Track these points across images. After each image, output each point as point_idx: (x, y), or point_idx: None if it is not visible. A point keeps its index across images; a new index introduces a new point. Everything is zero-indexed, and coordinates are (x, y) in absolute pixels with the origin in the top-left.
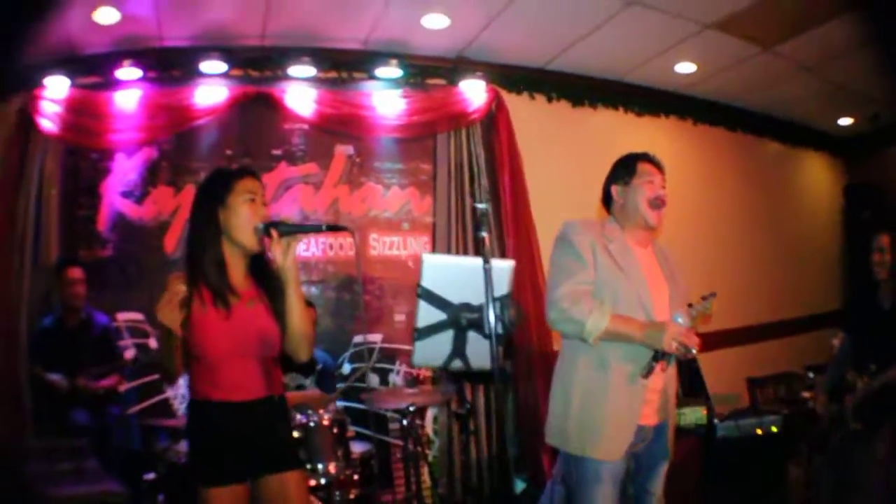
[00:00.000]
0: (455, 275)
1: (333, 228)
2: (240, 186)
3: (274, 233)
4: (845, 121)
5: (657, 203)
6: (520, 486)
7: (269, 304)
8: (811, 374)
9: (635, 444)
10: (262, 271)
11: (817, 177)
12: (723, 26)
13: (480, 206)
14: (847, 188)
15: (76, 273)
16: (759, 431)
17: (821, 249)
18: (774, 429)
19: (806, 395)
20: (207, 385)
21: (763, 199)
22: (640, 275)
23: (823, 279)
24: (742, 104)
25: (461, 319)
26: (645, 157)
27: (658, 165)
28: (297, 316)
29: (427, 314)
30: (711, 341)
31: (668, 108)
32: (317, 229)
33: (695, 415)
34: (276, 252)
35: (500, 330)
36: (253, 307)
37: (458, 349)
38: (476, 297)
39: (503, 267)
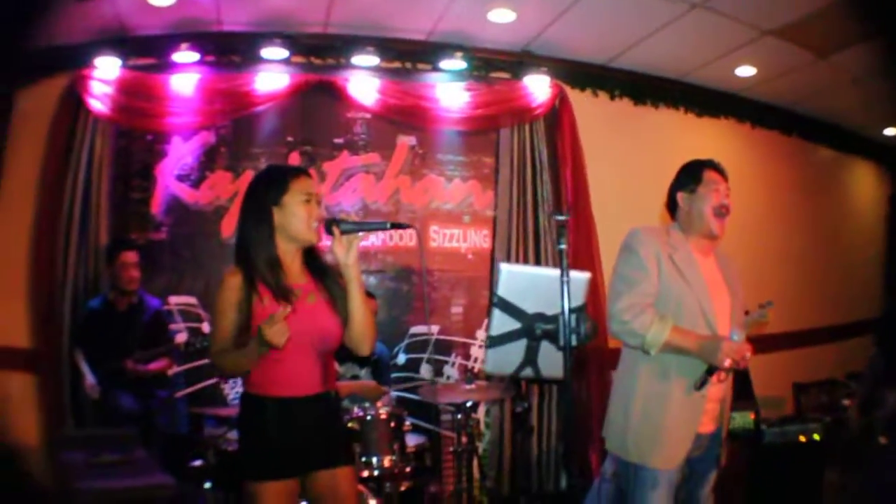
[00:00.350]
0: (531, 284)
1: (398, 226)
2: (295, 187)
3: (336, 230)
4: (890, 130)
5: (721, 211)
6: (566, 482)
7: (329, 298)
8: (852, 383)
9: (692, 450)
10: (319, 265)
11: (865, 185)
12: (780, 33)
13: (560, 217)
14: (893, 197)
15: (130, 256)
16: (802, 438)
17: (866, 257)
18: (817, 437)
19: (846, 402)
20: (264, 380)
21: (813, 205)
22: (702, 284)
23: (868, 287)
24: (797, 109)
25: (535, 329)
26: (711, 165)
27: (723, 173)
28: (359, 312)
29: (501, 323)
30: (760, 345)
31: (728, 110)
32: (381, 227)
33: (743, 420)
34: (338, 250)
35: (573, 342)
36: (313, 302)
37: (530, 358)
38: (551, 307)
39: (579, 278)
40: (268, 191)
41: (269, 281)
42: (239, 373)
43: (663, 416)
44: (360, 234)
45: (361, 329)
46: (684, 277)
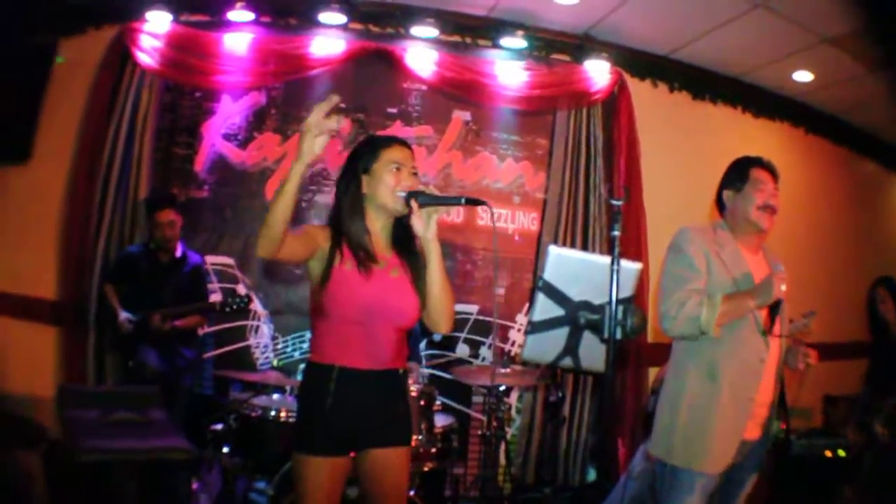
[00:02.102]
0: (579, 271)
1: (472, 202)
2: (385, 156)
3: (414, 203)
4: None
5: (767, 209)
6: (591, 475)
7: (412, 275)
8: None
9: (735, 456)
10: (407, 242)
11: None
12: (836, 42)
13: (616, 202)
14: None
15: (167, 215)
16: (828, 453)
17: None
18: (842, 453)
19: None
20: (333, 347)
21: (856, 218)
22: (751, 282)
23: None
24: (849, 119)
25: (579, 318)
26: (758, 163)
27: (772, 171)
28: (438, 288)
29: (544, 308)
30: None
31: (784, 113)
32: (455, 202)
33: (775, 427)
34: (417, 223)
35: (618, 335)
36: (396, 276)
37: (571, 348)
38: (598, 296)
39: (630, 269)
40: (360, 158)
41: (353, 246)
42: (278, 225)
43: (713, 419)
44: (440, 207)
45: (440, 306)
46: (732, 275)
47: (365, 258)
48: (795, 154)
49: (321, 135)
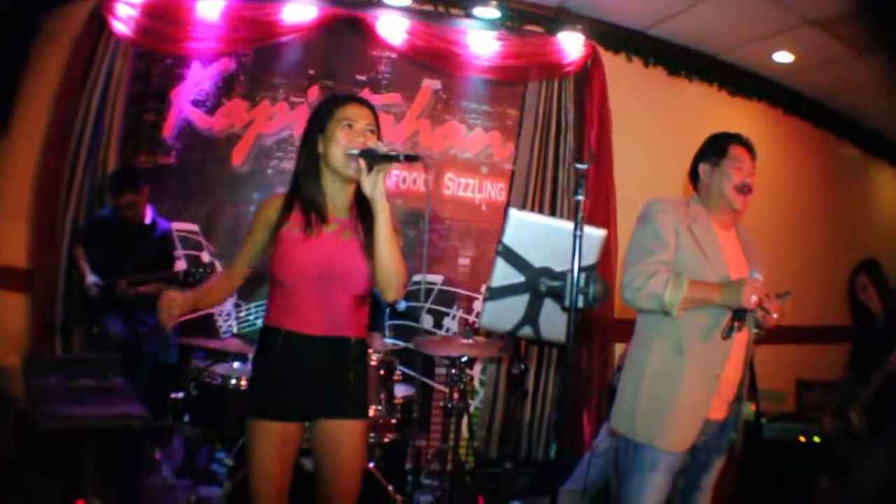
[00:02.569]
0: (540, 236)
1: (410, 158)
2: (340, 114)
3: (361, 161)
4: None
5: (744, 189)
6: (555, 451)
7: (366, 239)
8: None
9: (698, 436)
10: (367, 205)
11: (889, 190)
12: (822, 24)
13: (581, 166)
14: None
15: (126, 198)
16: (802, 438)
17: (886, 263)
18: (817, 438)
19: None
20: (281, 311)
21: (834, 201)
22: (721, 257)
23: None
24: (829, 103)
25: (540, 285)
26: (738, 140)
27: (750, 150)
28: (384, 250)
29: (503, 274)
30: (768, 335)
31: (761, 93)
32: (394, 159)
33: (745, 410)
34: (364, 182)
35: (580, 304)
36: (346, 239)
37: (531, 316)
38: (559, 263)
39: (594, 235)
40: (316, 118)
41: (305, 207)
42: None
43: (676, 394)
44: (386, 165)
45: (387, 269)
46: (702, 249)
47: (314, 220)
48: (772, 134)
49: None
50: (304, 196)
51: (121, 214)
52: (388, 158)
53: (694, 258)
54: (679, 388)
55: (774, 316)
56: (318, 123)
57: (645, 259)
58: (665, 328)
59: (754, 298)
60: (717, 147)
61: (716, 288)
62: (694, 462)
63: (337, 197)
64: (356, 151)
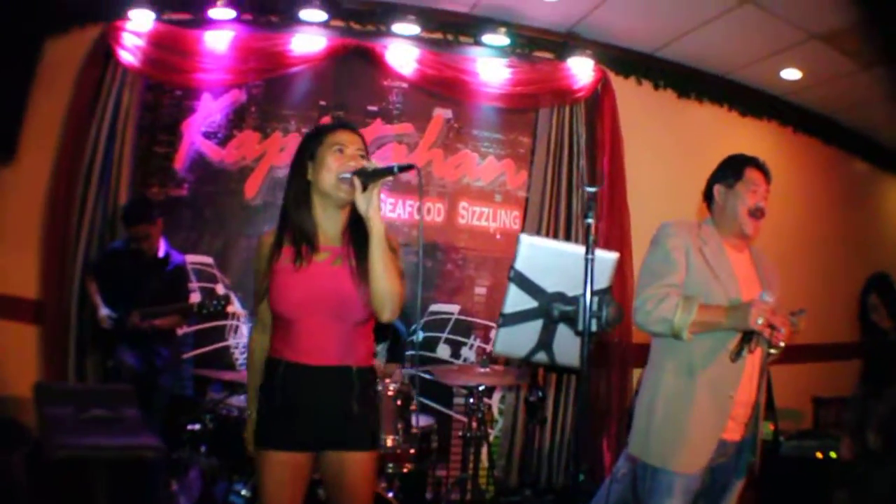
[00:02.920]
0: (552, 260)
1: (404, 168)
2: (329, 139)
3: (355, 181)
4: None
5: (757, 213)
6: (576, 478)
7: (359, 265)
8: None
9: (715, 458)
10: (364, 233)
11: None
12: (827, 39)
13: (590, 189)
14: None
15: (142, 230)
16: (819, 455)
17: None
18: (833, 454)
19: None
20: (281, 343)
21: (846, 218)
22: (732, 278)
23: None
24: (838, 118)
25: (553, 310)
26: (754, 163)
27: (766, 173)
28: (379, 269)
29: (516, 300)
30: (784, 355)
31: (771, 112)
32: (389, 172)
33: (763, 429)
34: (359, 200)
35: (594, 328)
36: (337, 266)
37: (545, 342)
38: (572, 287)
39: (606, 258)
40: (306, 146)
41: (296, 237)
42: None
43: (688, 416)
44: (380, 181)
45: (381, 288)
46: (713, 271)
47: (304, 251)
48: (783, 153)
49: None
50: (295, 227)
51: (135, 247)
52: (384, 172)
53: (705, 280)
54: (691, 409)
55: (783, 331)
56: (309, 151)
57: (655, 283)
58: (677, 350)
59: (761, 320)
60: (732, 169)
61: (724, 311)
62: (714, 484)
63: (328, 225)
64: (348, 175)
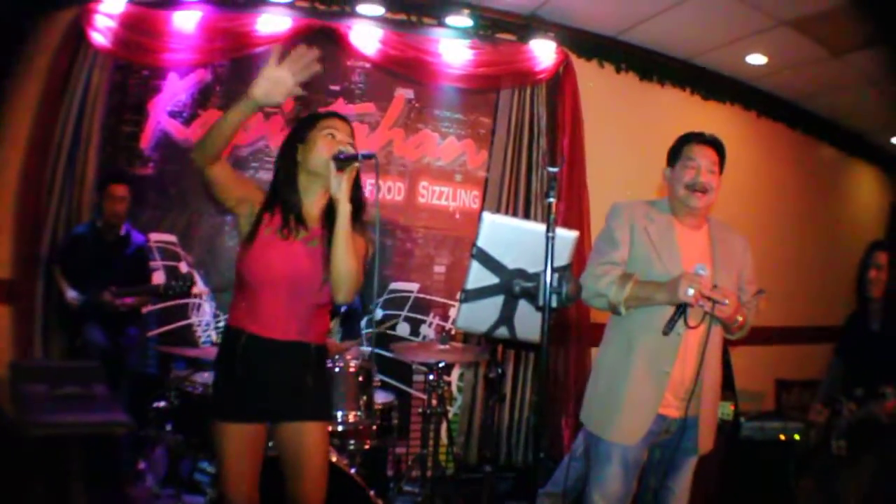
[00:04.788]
0: (514, 238)
1: (367, 157)
2: (323, 124)
3: (331, 164)
4: None
5: (693, 187)
6: (535, 455)
7: (328, 248)
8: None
9: (656, 433)
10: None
11: (867, 190)
12: (797, 25)
13: (552, 169)
14: (893, 205)
15: (120, 190)
16: (782, 437)
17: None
18: (797, 437)
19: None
20: (245, 313)
21: (812, 202)
22: (675, 257)
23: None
24: (804, 104)
25: (514, 286)
26: (692, 138)
27: (710, 144)
28: (340, 250)
29: (478, 276)
30: (749, 336)
31: (734, 96)
32: (353, 158)
33: (723, 409)
34: (332, 183)
35: (553, 303)
36: (314, 247)
37: (506, 317)
38: (533, 264)
39: (566, 237)
40: (298, 130)
41: (284, 211)
42: (214, 139)
43: (623, 389)
44: (354, 165)
45: (340, 269)
46: (655, 249)
47: (291, 224)
48: (747, 137)
49: (281, 86)
50: (284, 200)
51: (100, 224)
52: (349, 159)
53: (646, 258)
54: (627, 382)
55: (726, 302)
56: (300, 135)
57: (597, 260)
58: (620, 326)
59: (691, 291)
60: (674, 150)
61: (658, 285)
62: (661, 462)
63: (310, 205)
64: (333, 156)
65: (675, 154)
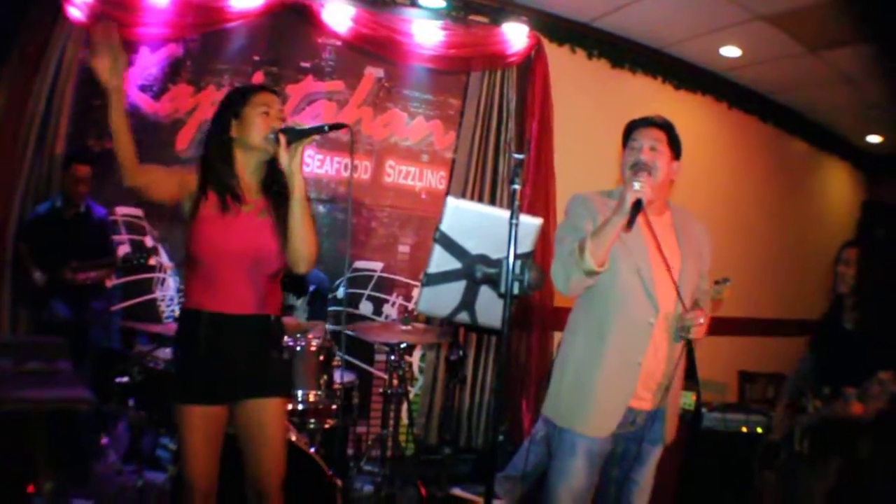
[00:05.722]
0: (477, 223)
1: (335, 127)
2: (255, 100)
3: (282, 138)
4: (874, 138)
5: (636, 167)
6: (495, 438)
7: (278, 219)
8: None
9: (623, 425)
10: (279, 186)
11: (838, 186)
12: (774, 20)
13: (518, 156)
14: (865, 203)
15: (83, 171)
16: (744, 429)
17: (831, 257)
18: (760, 430)
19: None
20: (201, 293)
21: (782, 196)
22: (639, 243)
23: (829, 287)
24: (777, 98)
25: (476, 272)
26: (636, 124)
27: (653, 125)
28: (297, 223)
29: (440, 260)
30: (709, 326)
31: (706, 87)
32: (319, 130)
33: (685, 399)
34: (283, 157)
35: (515, 290)
36: (262, 219)
37: (468, 302)
38: (496, 250)
39: (530, 224)
40: (230, 104)
41: (220, 188)
42: (121, 151)
43: (595, 381)
44: (305, 139)
45: (297, 242)
46: (621, 237)
47: (230, 200)
48: (718, 128)
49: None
50: (219, 176)
51: (60, 202)
52: (314, 131)
53: (612, 247)
54: (599, 373)
55: (701, 321)
56: (233, 110)
57: (559, 250)
58: (590, 314)
59: (637, 185)
60: (623, 138)
61: (611, 213)
62: (626, 453)
63: (250, 179)
64: (273, 133)
65: (623, 142)
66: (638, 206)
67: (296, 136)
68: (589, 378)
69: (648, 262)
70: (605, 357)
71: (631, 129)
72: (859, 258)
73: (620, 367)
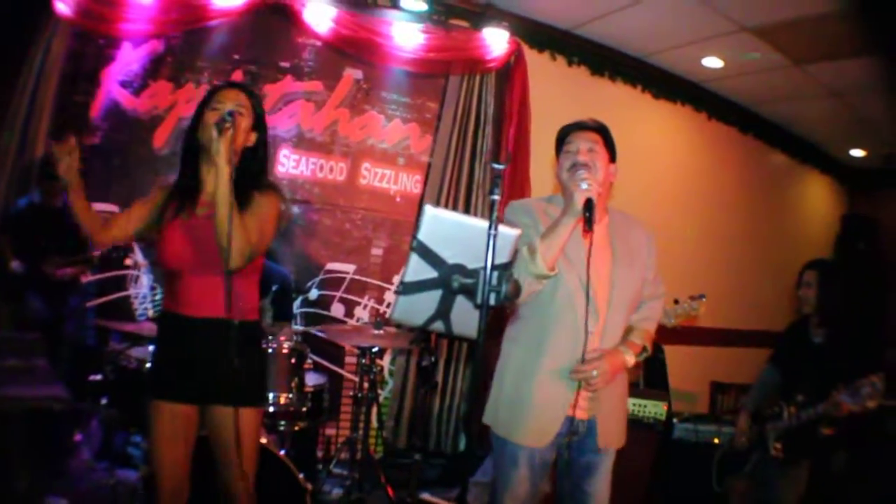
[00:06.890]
0: (455, 233)
1: (232, 114)
2: (214, 98)
3: (213, 130)
4: (857, 152)
5: (575, 167)
6: (464, 443)
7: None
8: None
9: (564, 435)
10: (247, 191)
11: (818, 199)
12: (760, 32)
13: (498, 166)
14: (845, 217)
15: (58, 187)
16: (716, 441)
17: None
18: (717, 440)
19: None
20: (168, 296)
21: (761, 208)
22: (578, 249)
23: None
24: (758, 110)
25: (452, 282)
26: (568, 129)
27: (586, 128)
28: (219, 213)
29: (417, 269)
30: (682, 336)
31: (686, 97)
32: (226, 118)
33: (655, 409)
34: (212, 147)
35: (492, 301)
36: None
37: (443, 312)
38: (473, 260)
39: (508, 234)
40: (199, 106)
41: (179, 191)
42: (83, 225)
43: (531, 390)
44: (227, 128)
45: (220, 233)
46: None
47: (185, 204)
48: (697, 138)
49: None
50: (179, 182)
51: (39, 196)
52: (222, 120)
53: None
54: (534, 382)
55: (594, 374)
56: (198, 112)
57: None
58: (529, 325)
59: (585, 185)
60: (556, 147)
61: (559, 215)
62: (574, 464)
63: (210, 181)
64: (215, 122)
65: (557, 149)
66: (590, 206)
67: (218, 126)
68: (527, 388)
69: (587, 269)
70: (541, 366)
71: (565, 135)
72: (819, 280)
73: (558, 376)
